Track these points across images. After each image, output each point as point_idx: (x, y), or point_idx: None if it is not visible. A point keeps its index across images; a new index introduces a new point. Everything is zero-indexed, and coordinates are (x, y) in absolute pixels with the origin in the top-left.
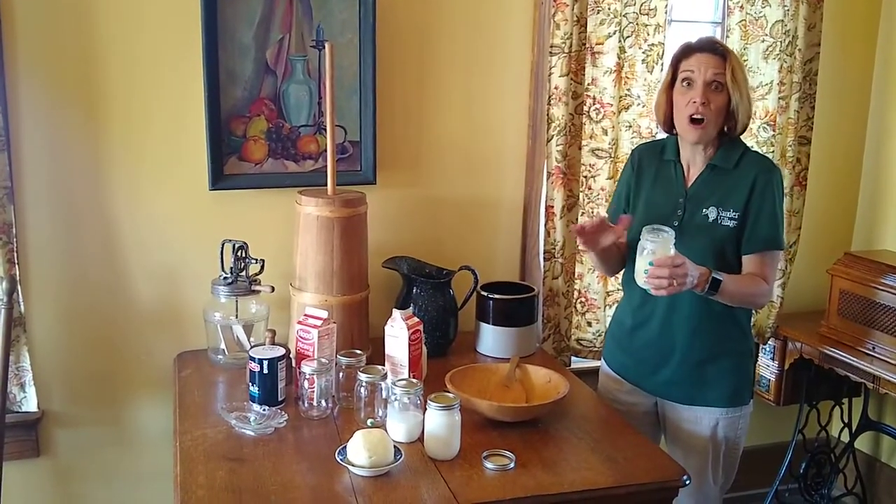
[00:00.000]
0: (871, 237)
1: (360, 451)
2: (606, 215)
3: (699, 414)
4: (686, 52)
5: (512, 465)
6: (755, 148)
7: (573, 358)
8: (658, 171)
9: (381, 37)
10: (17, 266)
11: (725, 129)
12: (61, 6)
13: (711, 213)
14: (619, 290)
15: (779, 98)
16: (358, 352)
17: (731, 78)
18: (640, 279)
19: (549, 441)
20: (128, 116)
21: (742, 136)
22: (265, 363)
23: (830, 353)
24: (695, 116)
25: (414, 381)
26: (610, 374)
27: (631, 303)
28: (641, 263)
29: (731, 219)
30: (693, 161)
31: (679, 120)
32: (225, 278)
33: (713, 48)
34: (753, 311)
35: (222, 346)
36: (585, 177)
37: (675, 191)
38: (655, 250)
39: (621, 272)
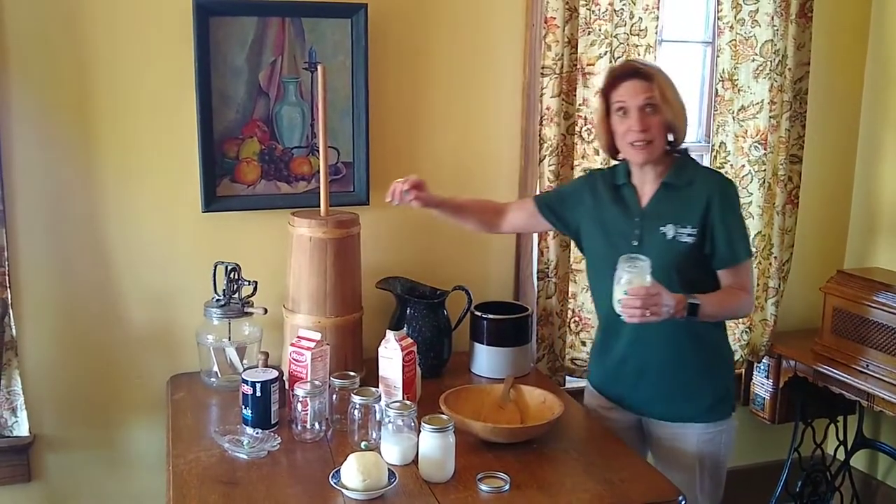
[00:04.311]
0: (863, 255)
1: (353, 473)
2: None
3: (680, 430)
4: (613, 82)
5: (507, 487)
6: (747, 167)
7: (567, 378)
8: (612, 195)
9: (373, 58)
10: (9, 290)
11: (670, 142)
12: (53, 27)
13: (669, 230)
14: None
15: (770, 117)
16: (351, 374)
17: (662, 97)
18: (616, 307)
19: (545, 462)
20: (121, 138)
21: (734, 155)
22: (258, 386)
23: (824, 370)
24: (636, 143)
25: (408, 402)
26: (592, 391)
27: (602, 320)
28: (617, 292)
29: (689, 235)
30: (644, 180)
31: (622, 146)
32: (218, 300)
33: (638, 73)
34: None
35: (215, 368)
36: None
37: (631, 212)
38: (631, 280)
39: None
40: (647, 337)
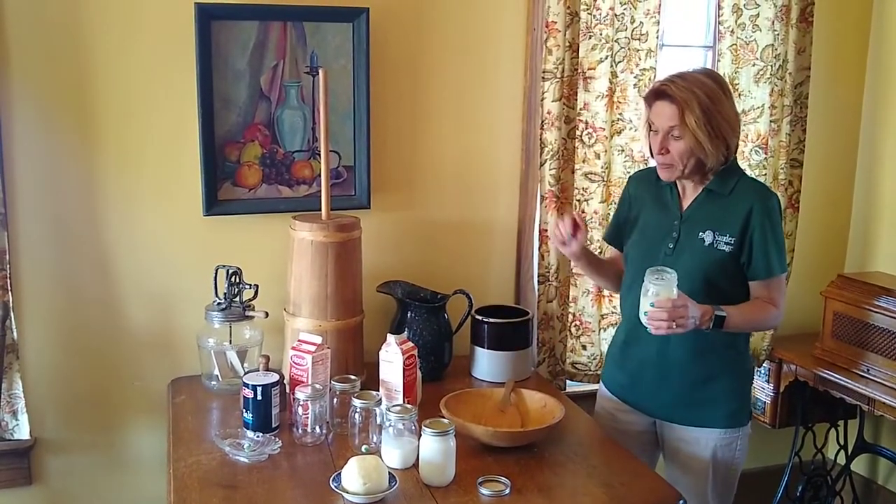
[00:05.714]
0: (863, 259)
1: (354, 477)
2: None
3: (697, 435)
4: (648, 98)
5: (507, 491)
6: (748, 171)
7: (568, 382)
8: (655, 195)
9: (374, 62)
10: (10, 292)
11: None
12: (55, 30)
13: (707, 236)
14: (613, 312)
15: (770, 121)
16: (352, 377)
17: (684, 124)
18: (643, 318)
19: (545, 466)
20: (122, 141)
21: (736, 160)
22: (259, 389)
23: (825, 375)
24: (659, 163)
25: (409, 406)
26: (607, 395)
27: (627, 323)
28: (643, 304)
29: (726, 243)
30: (688, 184)
31: (655, 159)
32: (219, 304)
33: (666, 96)
34: (750, 333)
35: (216, 371)
36: (579, 200)
37: (671, 213)
38: (658, 292)
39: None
40: (671, 341)
